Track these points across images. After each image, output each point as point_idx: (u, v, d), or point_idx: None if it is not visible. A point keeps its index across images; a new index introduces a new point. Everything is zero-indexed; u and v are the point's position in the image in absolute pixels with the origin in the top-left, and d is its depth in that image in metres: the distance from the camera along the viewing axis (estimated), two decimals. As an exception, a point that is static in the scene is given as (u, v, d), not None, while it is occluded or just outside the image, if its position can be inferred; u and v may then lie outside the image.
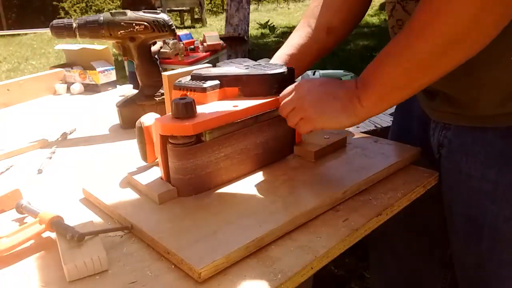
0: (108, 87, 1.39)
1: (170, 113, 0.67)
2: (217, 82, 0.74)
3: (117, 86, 1.41)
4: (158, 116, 0.70)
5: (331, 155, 0.81)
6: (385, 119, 2.03)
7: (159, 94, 1.02)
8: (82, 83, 1.37)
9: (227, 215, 0.63)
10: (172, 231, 0.59)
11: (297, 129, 0.72)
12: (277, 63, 0.81)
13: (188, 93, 0.73)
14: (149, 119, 0.70)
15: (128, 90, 1.33)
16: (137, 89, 1.07)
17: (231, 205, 0.66)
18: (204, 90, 0.72)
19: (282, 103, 0.71)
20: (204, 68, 0.80)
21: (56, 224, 0.60)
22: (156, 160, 0.71)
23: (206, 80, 0.74)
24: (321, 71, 2.37)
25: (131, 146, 0.94)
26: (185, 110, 0.65)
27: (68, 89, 1.38)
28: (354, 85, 0.64)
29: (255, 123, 0.73)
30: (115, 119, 1.06)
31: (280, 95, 0.73)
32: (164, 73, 0.80)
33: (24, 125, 1.09)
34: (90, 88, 1.37)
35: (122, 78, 3.44)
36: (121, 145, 0.95)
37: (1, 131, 1.06)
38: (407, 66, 0.59)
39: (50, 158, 0.89)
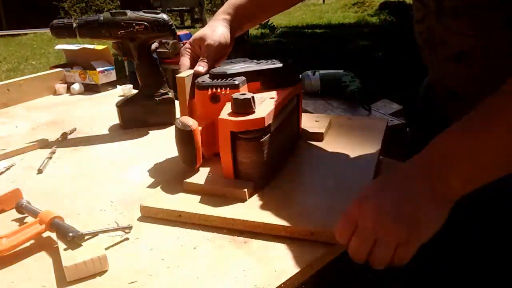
0: (108, 87, 1.38)
1: (227, 110, 0.68)
2: (244, 78, 0.75)
3: (117, 86, 1.41)
4: (191, 119, 0.69)
5: (332, 132, 0.89)
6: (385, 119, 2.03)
7: (159, 94, 1.02)
8: (82, 83, 1.37)
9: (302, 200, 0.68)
10: (271, 212, 0.63)
11: (392, 260, 0.52)
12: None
13: (218, 91, 0.73)
14: (193, 122, 0.69)
15: (128, 90, 1.33)
16: (137, 89, 1.07)
17: (304, 189, 0.71)
18: (237, 86, 0.72)
19: (352, 241, 0.53)
20: (221, 67, 0.80)
21: (56, 224, 0.60)
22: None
23: (233, 77, 0.74)
24: (321, 71, 2.37)
25: (131, 146, 0.94)
26: (251, 104, 0.66)
27: (68, 89, 1.37)
28: (428, 172, 0.51)
29: (285, 112, 0.76)
30: (115, 119, 1.06)
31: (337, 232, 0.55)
32: (180, 75, 0.77)
33: (24, 125, 1.09)
34: (90, 88, 1.37)
35: (122, 78, 3.43)
36: (121, 145, 0.95)
37: (1, 131, 1.06)
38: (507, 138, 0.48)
39: (50, 158, 0.89)
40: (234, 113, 0.67)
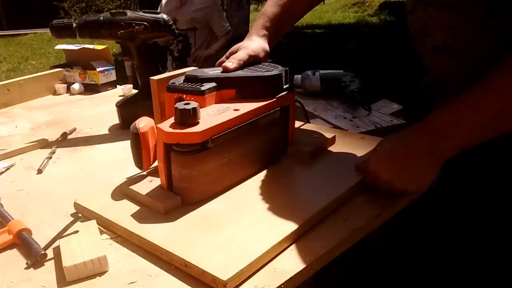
0: (108, 87, 1.39)
1: (172, 119, 0.63)
2: (214, 84, 0.71)
3: (117, 86, 1.41)
4: (151, 120, 0.67)
5: (324, 153, 0.82)
6: (385, 119, 2.03)
7: (159, 94, 1.02)
8: (82, 83, 1.37)
9: (239, 221, 0.61)
10: (187, 243, 0.56)
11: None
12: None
13: (184, 96, 0.69)
14: (144, 124, 0.66)
15: (128, 90, 1.33)
16: (137, 89, 1.07)
17: (240, 211, 0.64)
18: (202, 93, 0.68)
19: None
20: (197, 70, 0.77)
21: (22, 237, 0.59)
22: (152, 167, 0.69)
23: (203, 82, 0.70)
24: (321, 71, 2.36)
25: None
26: (191, 116, 0.61)
27: (68, 89, 1.37)
28: (428, 139, 0.64)
29: (255, 126, 0.70)
30: (115, 119, 1.06)
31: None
32: (153, 78, 0.76)
33: (24, 125, 1.09)
34: (90, 88, 1.37)
35: (122, 78, 3.43)
36: (121, 145, 0.94)
37: (1, 131, 1.06)
38: (487, 118, 0.60)
39: (50, 158, 0.88)
40: (176, 123, 0.62)
